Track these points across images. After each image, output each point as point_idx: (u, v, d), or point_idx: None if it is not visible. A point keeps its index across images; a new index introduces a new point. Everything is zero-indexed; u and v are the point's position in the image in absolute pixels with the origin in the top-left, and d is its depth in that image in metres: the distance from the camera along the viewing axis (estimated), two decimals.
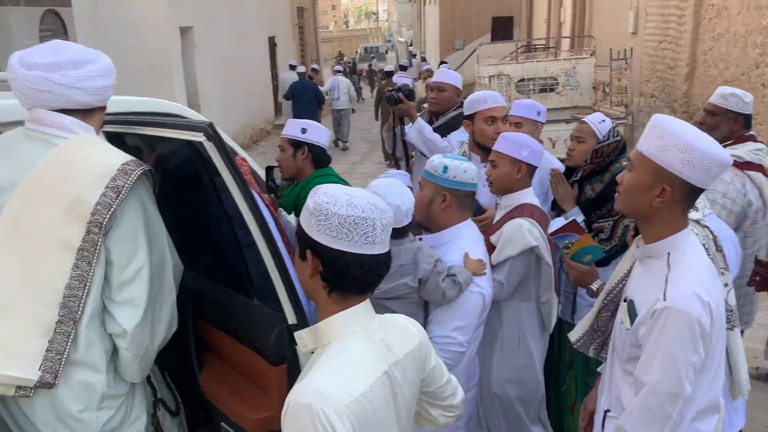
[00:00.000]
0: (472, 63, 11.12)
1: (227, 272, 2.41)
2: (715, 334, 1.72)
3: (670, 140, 1.68)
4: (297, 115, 11.65)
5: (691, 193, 1.72)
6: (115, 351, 1.80)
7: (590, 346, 2.10)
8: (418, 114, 4.27)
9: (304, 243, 1.40)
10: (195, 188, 2.28)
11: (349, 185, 3.09)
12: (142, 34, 9.96)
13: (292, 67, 14.55)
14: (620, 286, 1.95)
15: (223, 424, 2.39)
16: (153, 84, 9.63)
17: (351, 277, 1.38)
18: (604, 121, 2.99)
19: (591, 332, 2.08)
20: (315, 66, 17.26)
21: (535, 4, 20.81)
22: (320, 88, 13.20)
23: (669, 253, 1.76)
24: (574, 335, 2.12)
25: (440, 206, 2.34)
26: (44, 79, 1.76)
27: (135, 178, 1.75)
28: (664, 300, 1.68)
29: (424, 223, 2.42)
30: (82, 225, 1.67)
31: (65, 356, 1.66)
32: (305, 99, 12.19)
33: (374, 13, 75.81)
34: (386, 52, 41.03)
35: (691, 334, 1.66)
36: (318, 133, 3.05)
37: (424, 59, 20.65)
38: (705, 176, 1.67)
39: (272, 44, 17.35)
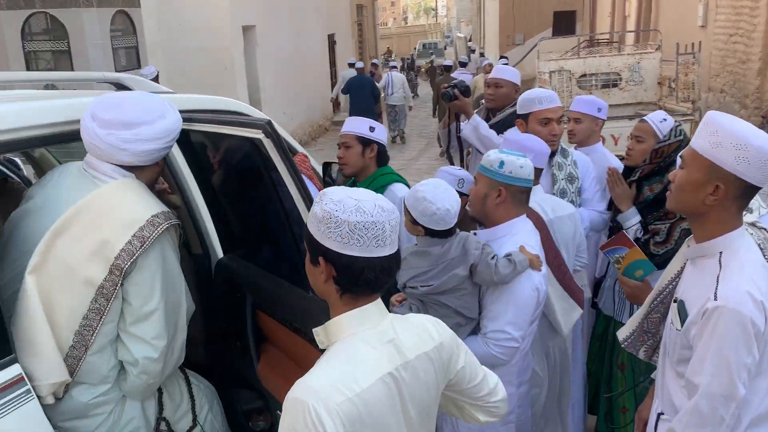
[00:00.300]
0: (533, 58, 10.95)
1: (285, 265, 2.48)
2: None
3: (724, 137, 1.64)
4: (354, 108, 12.12)
5: (745, 191, 1.68)
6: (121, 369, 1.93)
7: (640, 348, 2.05)
8: (476, 110, 4.25)
9: (314, 250, 1.41)
10: (256, 183, 2.35)
11: (407, 183, 3.14)
12: (207, 33, 10.25)
13: (351, 65, 14.83)
14: (671, 286, 1.90)
15: (278, 412, 2.46)
16: (216, 82, 9.90)
17: (365, 281, 1.39)
18: (665, 119, 2.90)
19: (640, 333, 2.03)
20: (375, 61, 17.46)
21: None
22: (377, 83, 13.42)
23: (721, 252, 1.72)
24: (621, 333, 2.07)
25: (495, 201, 2.34)
26: (94, 133, 1.89)
27: (161, 231, 1.88)
28: (715, 299, 1.63)
29: (478, 217, 2.43)
30: (105, 266, 1.82)
31: (72, 378, 1.83)
32: (363, 93, 12.43)
33: (433, 9, 75.47)
34: (445, 48, 40.76)
35: (744, 334, 1.60)
36: (382, 132, 3.12)
37: (482, 54, 20.45)
38: (761, 173, 1.63)
39: (331, 42, 17.54)
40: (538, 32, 21.61)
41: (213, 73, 10.26)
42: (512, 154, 2.36)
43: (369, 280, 1.39)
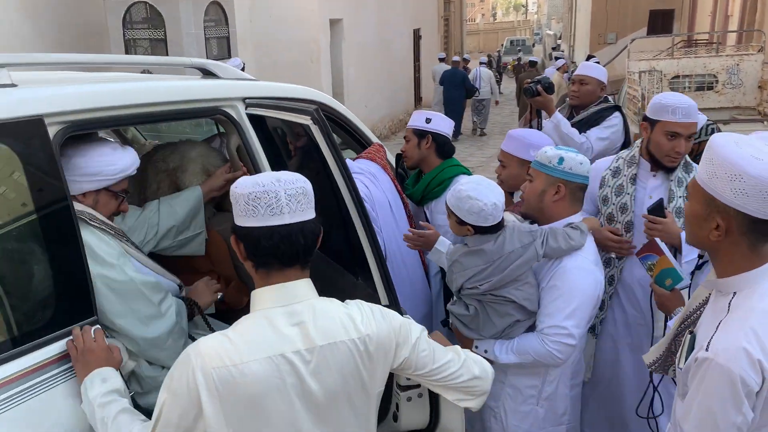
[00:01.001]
0: (624, 58, 10.58)
1: (339, 251, 2.50)
2: None
3: (719, 166, 1.45)
4: (446, 100, 13.51)
5: (756, 227, 1.46)
6: None
7: (669, 368, 1.89)
8: (558, 108, 4.16)
9: (233, 231, 1.51)
10: (317, 170, 2.41)
11: (471, 173, 3.11)
12: (295, 25, 10.49)
13: (442, 60, 15.72)
14: (697, 313, 1.70)
15: None
16: (302, 74, 10.13)
17: (264, 249, 1.46)
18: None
19: (668, 355, 1.85)
20: (466, 56, 17.60)
21: None
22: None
23: (735, 293, 1.53)
24: (648, 358, 1.91)
25: (552, 198, 2.32)
26: None
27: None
28: (707, 350, 1.48)
29: (532, 214, 2.40)
30: None
31: None
32: (455, 82, 13.45)
33: (523, 6, 74.08)
34: (533, 46, 39.95)
35: (732, 392, 1.44)
36: (442, 123, 3.10)
37: (552, 51, 20.02)
38: (765, 205, 1.41)
39: (417, 36, 17.56)
40: (632, 31, 20.81)
41: (299, 64, 10.50)
42: (570, 150, 2.34)
43: (268, 249, 1.46)
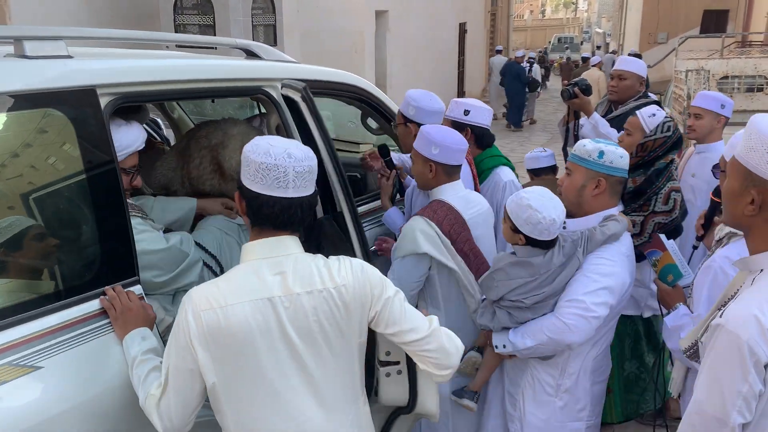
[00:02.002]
0: (673, 58, 10.37)
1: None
2: None
3: (758, 139, 1.49)
4: (507, 92, 14.44)
5: None
6: None
7: None
8: (597, 104, 4.14)
9: (238, 185, 1.65)
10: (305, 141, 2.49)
11: (512, 165, 3.13)
12: (341, 16, 10.59)
13: (498, 52, 16.67)
14: (732, 297, 1.69)
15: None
16: (346, 64, 10.20)
17: (265, 215, 1.60)
18: (654, 115, 2.90)
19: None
20: (519, 53, 17.74)
21: None
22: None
23: (762, 270, 1.55)
24: (683, 344, 1.92)
25: (592, 192, 2.30)
26: None
27: None
28: (721, 316, 1.52)
29: (571, 209, 2.34)
30: None
31: None
32: (512, 75, 14.26)
33: (573, 3, 72.82)
34: (581, 44, 39.29)
35: (740, 359, 1.47)
36: (481, 113, 3.06)
37: (596, 50, 20.19)
38: None
39: (462, 30, 17.48)
40: (684, 31, 20.32)
41: (344, 55, 10.59)
42: (610, 144, 2.32)
43: (267, 215, 1.60)
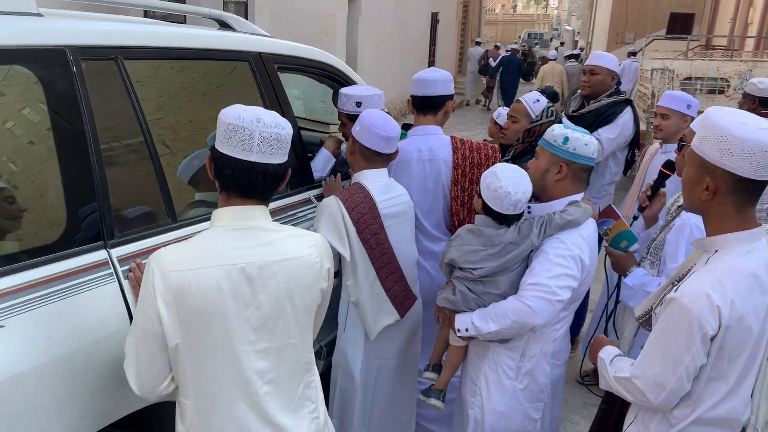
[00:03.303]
0: (640, 58, 10.57)
1: None
2: (733, 345, 1.62)
3: (709, 130, 1.61)
4: (503, 84, 15.43)
5: (740, 186, 1.59)
6: None
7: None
8: (572, 98, 4.20)
9: (210, 149, 1.68)
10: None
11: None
12: None
13: (477, 44, 18.35)
14: (688, 273, 1.82)
15: None
16: (316, 46, 10.11)
17: (227, 177, 1.62)
18: (538, 101, 3.00)
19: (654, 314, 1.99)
20: (497, 44, 19.85)
21: (722, 2, 19.20)
22: (492, 61, 16.58)
23: (716, 251, 1.68)
24: (638, 311, 2.04)
25: (555, 177, 2.31)
26: None
27: None
28: (675, 291, 1.65)
29: (536, 191, 2.37)
30: None
31: None
32: (510, 70, 15.41)
33: (544, 0, 73.42)
34: (550, 40, 39.67)
35: (688, 332, 1.61)
36: (373, 102, 2.93)
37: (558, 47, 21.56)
38: (747, 164, 1.55)
39: (434, 20, 17.50)
40: (651, 32, 20.72)
41: (314, 38, 10.49)
42: (577, 130, 2.31)
43: (229, 176, 1.62)
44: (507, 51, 17.37)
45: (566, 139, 2.27)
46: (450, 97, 2.95)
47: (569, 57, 16.03)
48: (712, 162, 1.60)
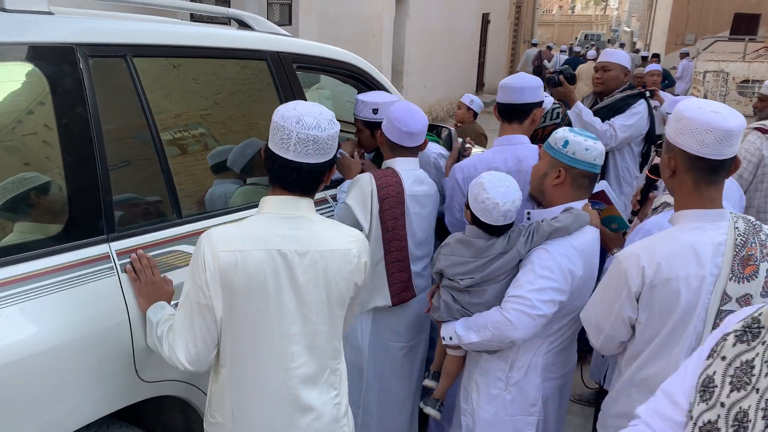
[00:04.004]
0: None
1: None
2: (662, 306, 1.77)
3: (674, 114, 1.81)
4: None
5: (694, 163, 1.74)
6: None
7: None
8: (585, 97, 4.19)
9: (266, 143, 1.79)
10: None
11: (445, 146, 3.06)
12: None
13: (534, 45, 18.71)
14: None
15: None
16: (363, 48, 10.17)
17: (269, 170, 1.76)
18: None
19: None
20: (550, 45, 20.26)
21: None
22: (547, 63, 16.59)
23: (672, 226, 1.86)
24: None
25: (553, 181, 2.24)
26: None
27: None
28: (621, 252, 1.91)
29: (536, 195, 2.33)
30: None
31: None
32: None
33: (604, 0, 71.79)
34: (608, 42, 38.80)
35: (617, 284, 1.85)
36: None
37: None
38: (694, 141, 1.72)
39: (485, 21, 17.33)
40: (713, 33, 19.99)
41: (361, 39, 10.55)
42: (581, 134, 2.22)
43: (270, 170, 1.75)
44: (561, 51, 17.75)
45: (566, 142, 2.19)
46: (538, 104, 2.81)
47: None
48: (671, 142, 1.80)
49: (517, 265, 2.20)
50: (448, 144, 3.48)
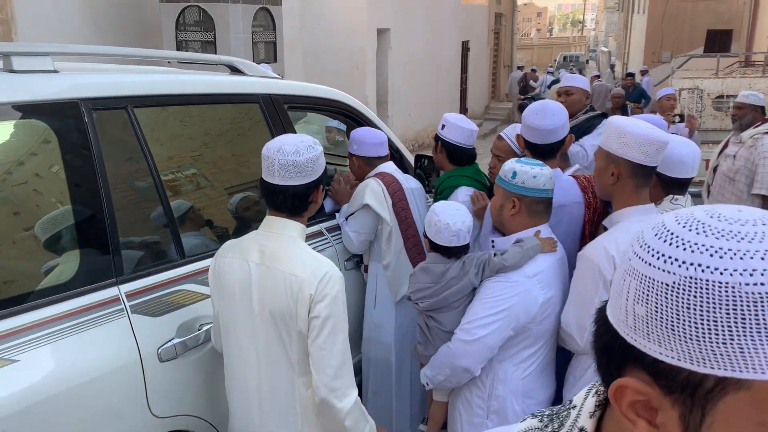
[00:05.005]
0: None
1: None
2: None
3: (611, 130, 2.14)
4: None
5: (637, 171, 2.10)
6: None
7: None
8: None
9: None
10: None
11: (482, 186, 3.18)
12: (343, 34, 10.78)
13: (519, 68, 20.08)
14: None
15: None
16: (347, 81, 10.38)
17: (263, 195, 2.00)
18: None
19: None
20: (534, 67, 21.19)
21: (760, 17, 18.86)
22: (533, 83, 17.89)
23: (619, 222, 2.15)
24: None
25: (510, 212, 2.30)
26: None
27: None
28: (583, 251, 2.15)
29: (497, 227, 2.42)
30: None
31: None
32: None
33: (580, 22, 73.20)
34: (587, 62, 39.49)
35: (592, 277, 2.07)
36: (455, 130, 3.07)
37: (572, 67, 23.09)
38: (640, 152, 2.07)
39: (465, 48, 17.66)
40: (688, 50, 20.46)
41: (345, 72, 10.77)
42: (527, 163, 2.28)
43: (263, 194, 2.00)
44: (548, 72, 19.06)
45: (514, 173, 2.26)
46: (569, 132, 2.78)
47: (596, 77, 16.65)
48: (614, 153, 2.11)
49: (472, 293, 2.30)
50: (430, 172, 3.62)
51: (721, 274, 0.57)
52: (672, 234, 0.62)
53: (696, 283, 0.58)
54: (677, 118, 4.34)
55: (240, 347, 2.00)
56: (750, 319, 0.56)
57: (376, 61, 11.73)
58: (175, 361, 2.08)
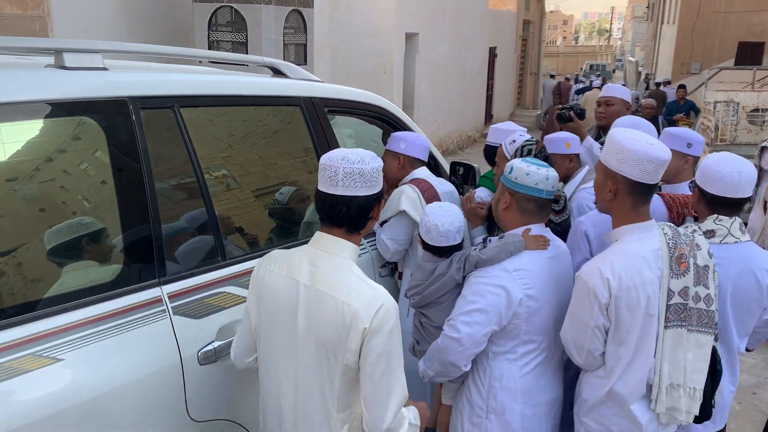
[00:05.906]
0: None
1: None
2: (626, 315, 2.03)
3: (611, 145, 2.08)
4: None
5: (635, 188, 2.05)
6: None
7: None
8: (588, 128, 4.26)
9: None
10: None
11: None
12: (372, 37, 10.77)
13: (552, 76, 20.60)
14: None
15: None
16: (375, 84, 10.36)
17: (319, 209, 1.84)
18: (514, 141, 2.84)
19: None
20: (568, 76, 21.83)
21: None
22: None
23: (617, 240, 2.12)
24: None
25: (502, 206, 2.33)
26: None
27: None
28: (579, 271, 2.12)
29: (496, 222, 2.45)
30: None
31: None
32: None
33: (607, 31, 72.62)
34: (613, 71, 39.17)
35: (587, 299, 2.06)
36: (493, 133, 3.27)
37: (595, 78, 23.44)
38: (638, 170, 2.02)
39: (492, 54, 17.59)
40: (718, 62, 20.17)
41: (373, 75, 10.76)
42: (527, 161, 2.28)
43: (320, 209, 1.84)
44: (576, 81, 19.14)
45: (511, 169, 2.28)
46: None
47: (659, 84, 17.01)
48: (612, 169, 2.07)
49: (457, 288, 2.35)
50: (472, 180, 3.57)
51: None
52: None
53: None
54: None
55: (278, 370, 1.87)
56: None
57: (404, 65, 11.71)
58: (214, 365, 2.06)
